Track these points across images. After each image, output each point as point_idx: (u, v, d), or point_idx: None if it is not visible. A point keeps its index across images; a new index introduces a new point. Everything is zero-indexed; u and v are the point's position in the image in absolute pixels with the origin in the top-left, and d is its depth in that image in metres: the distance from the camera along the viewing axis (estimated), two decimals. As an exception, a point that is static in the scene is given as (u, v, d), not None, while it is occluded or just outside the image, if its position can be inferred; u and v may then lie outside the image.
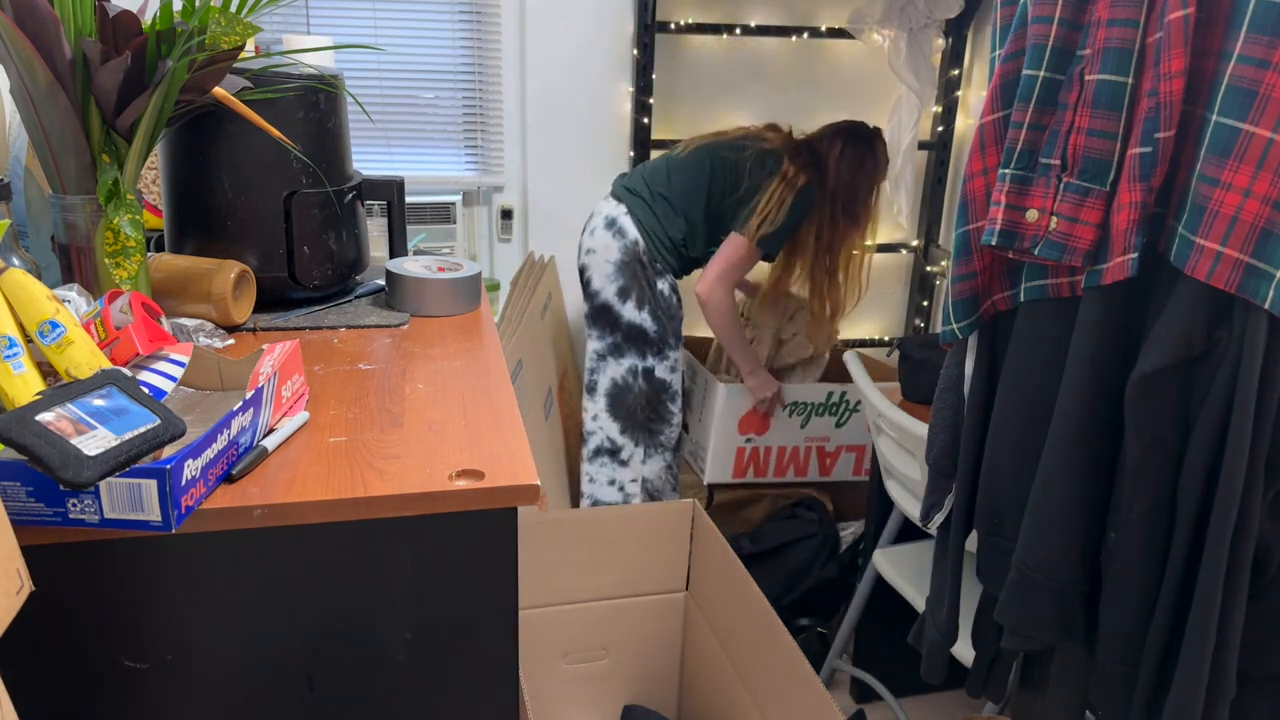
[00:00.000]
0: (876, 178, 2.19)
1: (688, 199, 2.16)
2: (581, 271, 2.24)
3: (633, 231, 2.15)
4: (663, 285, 2.18)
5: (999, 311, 1.12)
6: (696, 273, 2.32)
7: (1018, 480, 1.09)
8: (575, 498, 2.38)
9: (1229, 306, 0.88)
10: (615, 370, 2.22)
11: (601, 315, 2.20)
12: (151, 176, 1.54)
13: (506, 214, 2.61)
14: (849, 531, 2.43)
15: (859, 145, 2.16)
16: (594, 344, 2.24)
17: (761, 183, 2.12)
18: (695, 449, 2.50)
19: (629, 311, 2.17)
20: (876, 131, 2.20)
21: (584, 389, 2.28)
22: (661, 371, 2.22)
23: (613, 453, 2.27)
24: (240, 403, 0.80)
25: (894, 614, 1.98)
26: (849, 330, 2.94)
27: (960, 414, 1.18)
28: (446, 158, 2.55)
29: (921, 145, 2.69)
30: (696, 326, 2.81)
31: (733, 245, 2.13)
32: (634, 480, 2.28)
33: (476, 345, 1.16)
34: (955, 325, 1.12)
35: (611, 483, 2.29)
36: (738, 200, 2.15)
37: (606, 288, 2.18)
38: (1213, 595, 0.92)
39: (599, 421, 2.26)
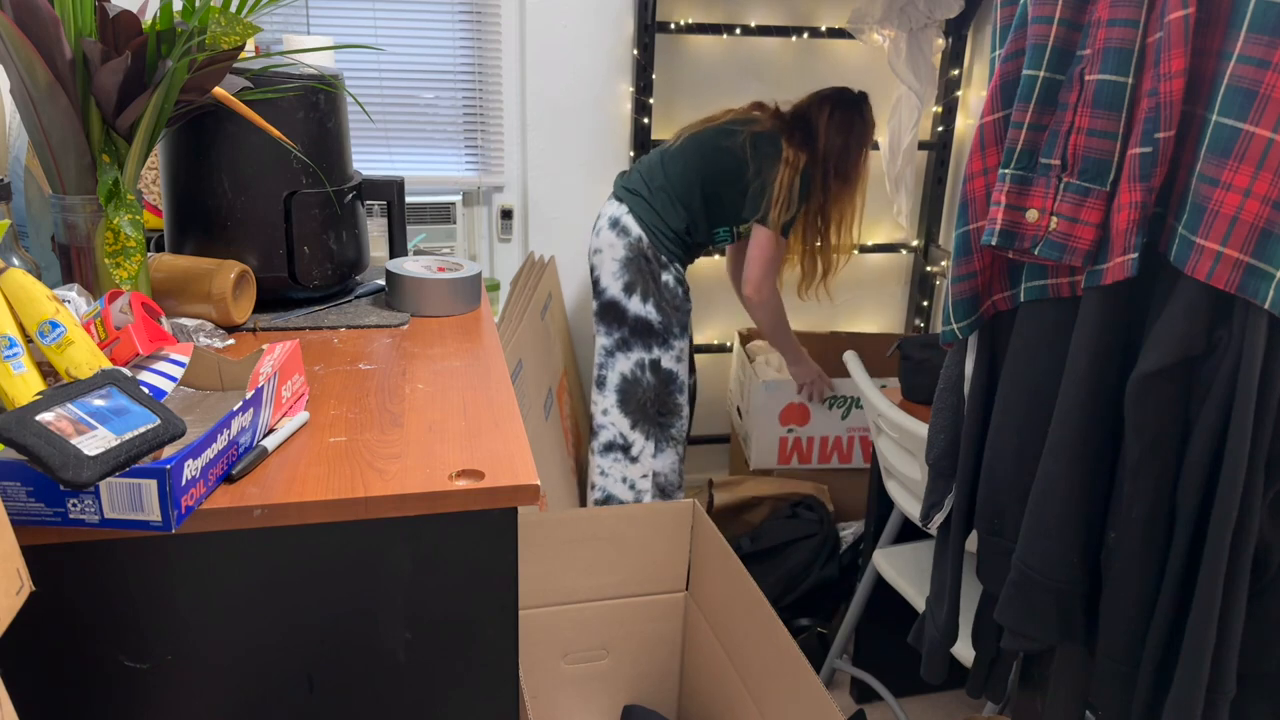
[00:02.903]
0: (866, 138, 2.25)
1: (685, 188, 2.20)
2: (591, 272, 2.29)
3: (635, 229, 2.19)
4: (667, 278, 2.21)
5: (999, 311, 1.12)
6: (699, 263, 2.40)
7: (1018, 480, 1.09)
8: (577, 498, 2.39)
9: (1229, 306, 0.88)
10: (624, 365, 2.25)
11: (609, 311, 2.25)
12: (151, 176, 1.54)
13: (506, 214, 2.61)
14: (849, 531, 2.43)
15: (847, 109, 2.23)
16: (602, 340, 2.28)
17: (762, 169, 2.16)
18: (745, 437, 2.65)
19: (635, 305, 2.21)
20: (863, 95, 2.28)
21: (594, 383, 2.31)
22: (668, 362, 2.25)
23: (624, 449, 2.29)
24: (240, 403, 0.80)
25: (894, 614, 1.98)
26: (848, 329, 2.94)
27: (960, 414, 1.18)
28: (446, 158, 2.55)
29: (921, 145, 2.69)
30: (739, 321, 2.81)
31: (762, 242, 2.18)
32: (644, 476, 2.30)
33: (476, 345, 1.16)
34: (955, 325, 1.12)
35: (623, 480, 2.31)
36: (744, 189, 2.19)
37: (613, 284, 2.23)
38: (1213, 594, 0.92)
39: (609, 416, 2.29)
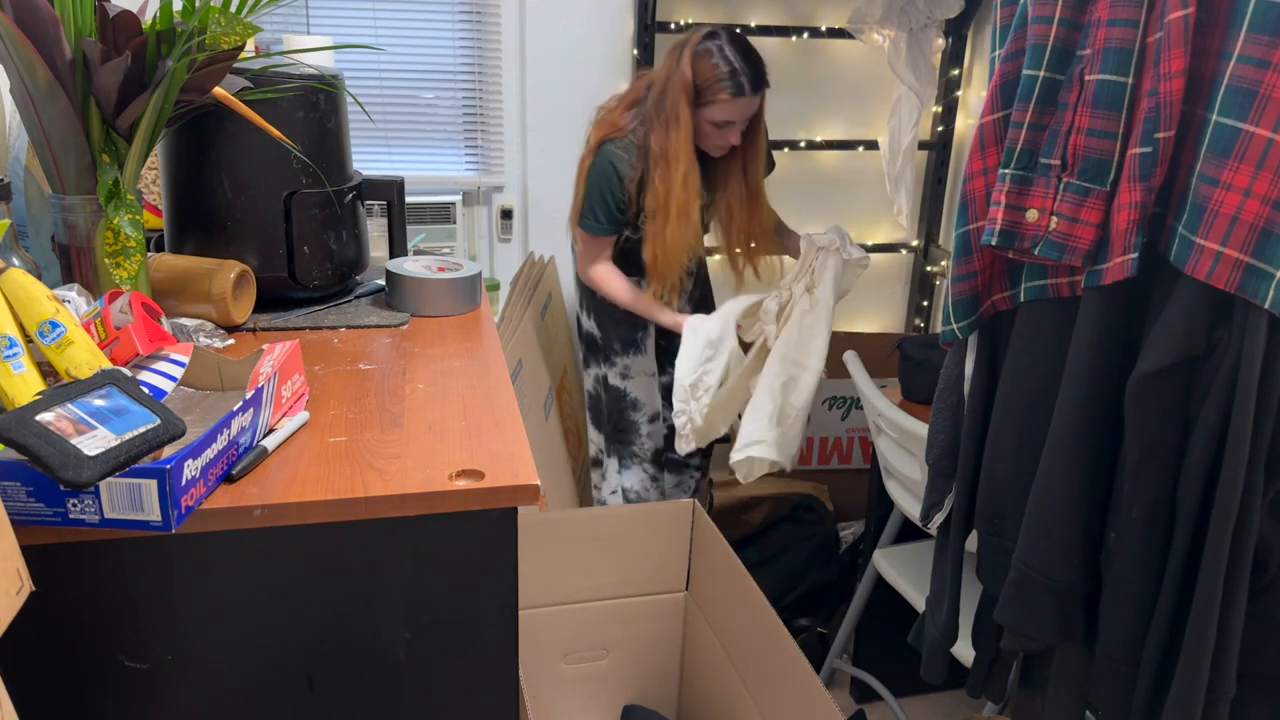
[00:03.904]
0: (682, 83, 1.84)
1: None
2: None
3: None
4: None
5: (999, 311, 1.12)
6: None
7: (1018, 480, 1.09)
8: (577, 498, 2.39)
9: (1229, 306, 0.88)
10: (588, 381, 2.23)
11: (578, 327, 2.25)
12: (151, 176, 1.54)
13: (506, 214, 2.61)
14: (849, 531, 2.43)
15: (673, 52, 1.90)
16: (580, 354, 2.28)
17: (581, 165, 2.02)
18: None
19: (584, 320, 2.19)
20: (708, 32, 1.89)
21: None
22: (614, 379, 2.15)
23: (598, 465, 2.25)
24: (240, 403, 0.80)
25: (894, 614, 1.98)
26: (848, 329, 2.94)
27: (960, 414, 1.18)
28: (446, 158, 2.55)
29: (921, 145, 2.69)
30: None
31: (575, 236, 2.06)
32: (614, 492, 2.24)
33: (476, 345, 1.16)
34: (955, 325, 1.12)
35: (598, 496, 2.30)
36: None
37: (575, 301, 2.23)
38: (1213, 595, 0.92)
39: (590, 432, 2.26)
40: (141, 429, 0.71)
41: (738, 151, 1.99)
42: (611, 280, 2.05)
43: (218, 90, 1.12)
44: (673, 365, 2.10)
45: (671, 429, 2.22)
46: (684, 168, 1.90)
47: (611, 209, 1.97)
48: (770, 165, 2.17)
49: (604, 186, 1.95)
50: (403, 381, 1.03)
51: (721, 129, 1.91)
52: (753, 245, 2.10)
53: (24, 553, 0.63)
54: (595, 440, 2.25)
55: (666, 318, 2.03)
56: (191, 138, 1.19)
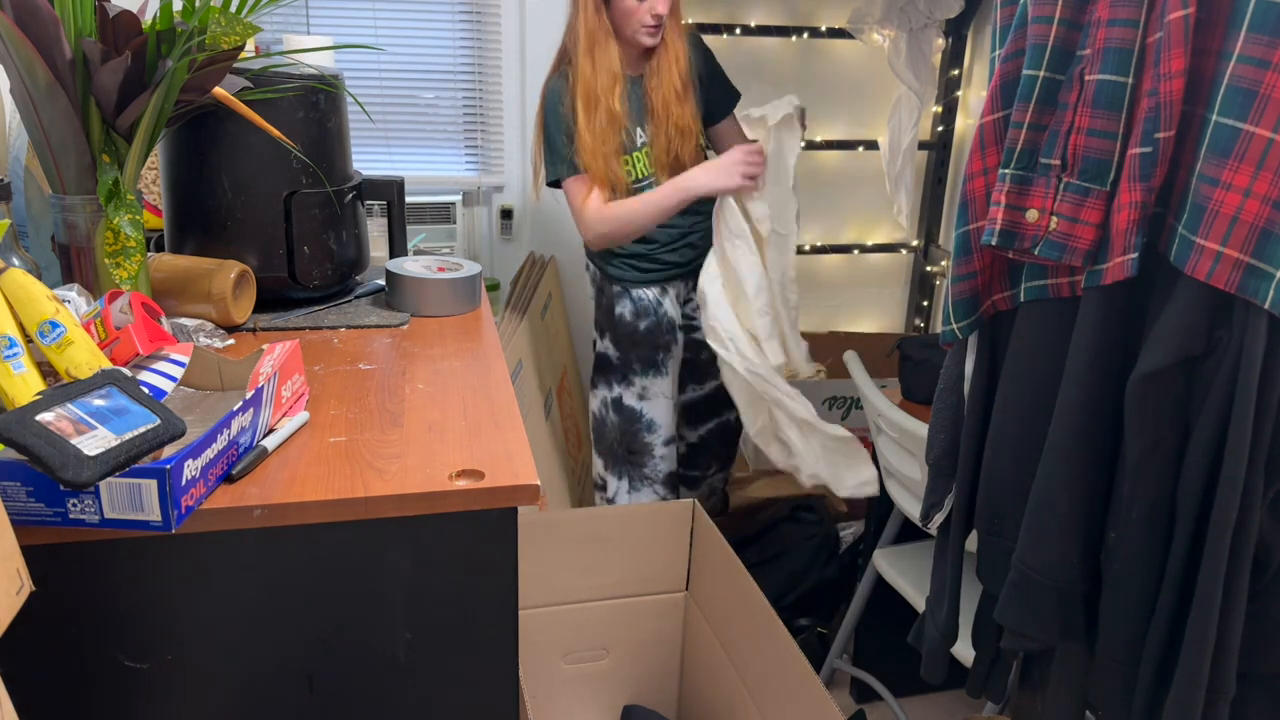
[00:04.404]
0: None
1: None
2: None
3: (591, 265, 2.13)
4: (621, 309, 2.05)
5: (999, 311, 1.12)
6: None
7: (1018, 480, 1.09)
8: (578, 498, 2.38)
9: (1229, 306, 0.88)
10: (594, 404, 2.15)
11: (591, 346, 2.19)
12: (151, 176, 1.54)
13: (506, 214, 2.61)
14: (849, 531, 2.43)
15: None
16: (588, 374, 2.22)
17: None
18: (744, 437, 2.58)
19: (599, 341, 2.12)
20: None
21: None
22: (630, 400, 2.08)
23: (602, 488, 2.19)
24: (240, 403, 0.80)
25: (894, 614, 1.98)
26: (848, 329, 2.94)
27: (960, 414, 1.18)
28: (446, 158, 2.55)
29: (921, 145, 2.69)
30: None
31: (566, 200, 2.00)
32: None
33: (476, 345, 1.16)
34: (955, 325, 1.12)
35: None
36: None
37: (580, 312, 2.20)
38: (1213, 595, 0.92)
39: (594, 455, 2.21)
40: (141, 429, 0.71)
41: (665, 40, 1.89)
42: (615, 207, 1.90)
43: (218, 90, 1.12)
44: (694, 383, 2.13)
45: (689, 447, 2.23)
46: (585, 43, 1.80)
47: (560, 145, 1.89)
48: (734, 96, 2.11)
49: (550, 122, 1.91)
50: (403, 381, 1.03)
51: (642, 1, 1.82)
52: (682, 146, 1.96)
53: (24, 553, 0.63)
54: (596, 463, 2.18)
55: (667, 192, 1.88)
56: (191, 138, 1.19)
